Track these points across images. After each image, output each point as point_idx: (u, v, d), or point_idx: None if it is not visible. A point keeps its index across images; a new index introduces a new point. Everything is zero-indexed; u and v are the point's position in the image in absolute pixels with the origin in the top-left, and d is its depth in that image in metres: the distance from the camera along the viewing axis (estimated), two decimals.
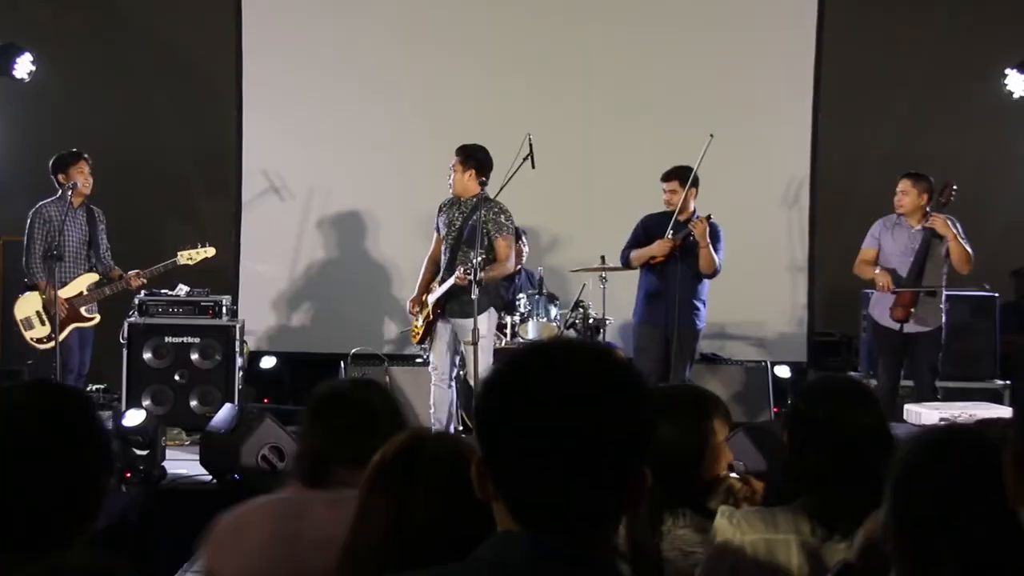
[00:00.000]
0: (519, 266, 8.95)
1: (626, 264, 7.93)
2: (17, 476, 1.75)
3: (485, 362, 7.32)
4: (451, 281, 7.29)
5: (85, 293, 7.96)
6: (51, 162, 7.99)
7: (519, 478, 1.57)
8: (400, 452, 2.04)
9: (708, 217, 7.67)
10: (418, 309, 7.66)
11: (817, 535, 2.73)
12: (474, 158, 7.43)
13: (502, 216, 7.36)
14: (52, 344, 7.70)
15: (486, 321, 7.38)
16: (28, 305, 7.88)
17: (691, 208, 7.80)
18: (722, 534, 2.79)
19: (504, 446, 1.58)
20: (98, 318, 8.07)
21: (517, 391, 1.59)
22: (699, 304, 7.83)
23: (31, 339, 7.85)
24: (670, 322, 7.65)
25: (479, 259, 7.06)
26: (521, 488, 1.57)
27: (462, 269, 7.15)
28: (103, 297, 8.05)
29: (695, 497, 3.05)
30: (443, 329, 7.55)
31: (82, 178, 7.91)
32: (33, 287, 7.86)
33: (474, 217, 7.34)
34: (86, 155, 8.02)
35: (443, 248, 7.57)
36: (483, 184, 7.38)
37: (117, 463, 1.85)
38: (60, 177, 7.92)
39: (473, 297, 7.11)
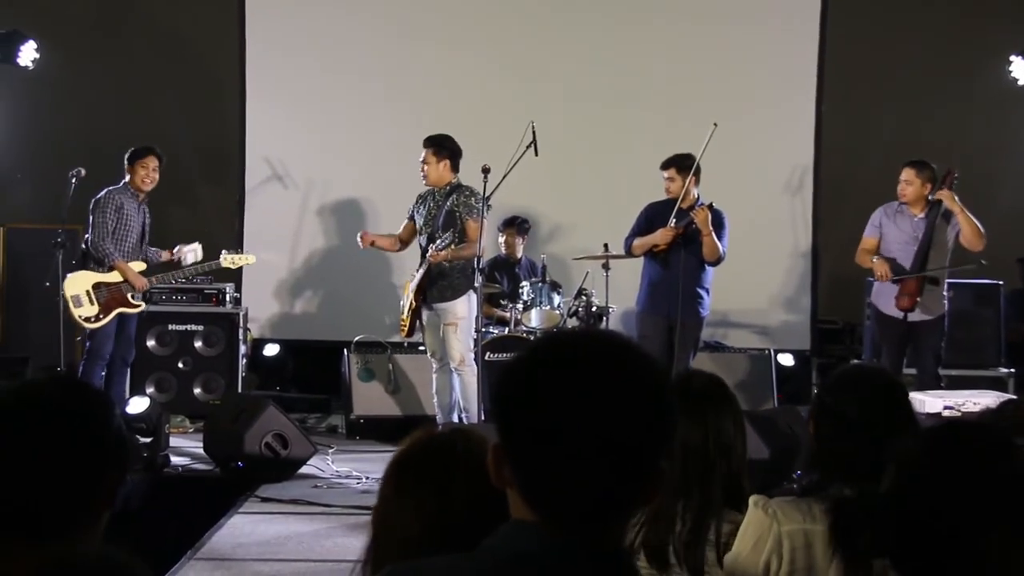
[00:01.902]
0: (520, 256, 8.99)
1: (628, 252, 7.93)
2: (25, 469, 1.77)
3: (464, 344, 7.46)
4: (426, 264, 7.45)
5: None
6: (127, 154, 7.97)
7: (536, 467, 1.56)
8: (430, 449, 2.02)
9: (710, 205, 7.65)
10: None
11: None
12: (446, 148, 7.61)
13: (472, 199, 7.49)
14: (98, 324, 7.80)
15: (465, 304, 7.48)
16: (80, 283, 7.83)
17: (693, 196, 7.78)
18: (757, 524, 2.73)
19: (522, 434, 1.57)
20: (143, 306, 8.11)
21: (537, 380, 1.57)
22: (703, 292, 7.82)
23: (79, 316, 7.80)
24: (673, 311, 7.65)
25: (450, 239, 7.33)
26: (538, 477, 1.56)
27: (432, 247, 7.35)
28: (151, 287, 8.16)
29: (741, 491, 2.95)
30: (428, 315, 7.68)
31: (144, 172, 7.91)
32: (99, 264, 7.83)
33: (448, 203, 7.53)
34: (157, 150, 8.01)
35: (420, 239, 7.72)
36: (455, 171, 7.61)
37: (131, 461, 1.85)
38: (128, 168, 7.93)
39: (477, 285, 7.30)
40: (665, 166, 7.78)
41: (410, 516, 1.93)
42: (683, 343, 7.70)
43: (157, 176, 8.00)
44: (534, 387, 1.57)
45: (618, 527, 1.62)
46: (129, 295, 7.94)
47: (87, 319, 7.83)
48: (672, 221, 7.64)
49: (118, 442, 1.88)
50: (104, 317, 7.84)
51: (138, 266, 8.00)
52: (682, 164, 7.71)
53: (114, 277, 7.87)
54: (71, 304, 7.81)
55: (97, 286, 7.83)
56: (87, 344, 7.92)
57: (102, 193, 7.92)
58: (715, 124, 7.60)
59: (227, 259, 8.26)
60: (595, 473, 1.53)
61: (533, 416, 1.56)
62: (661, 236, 7.67)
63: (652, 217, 7.83)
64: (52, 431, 1.79)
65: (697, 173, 7.73)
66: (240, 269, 9.51)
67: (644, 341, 7.85)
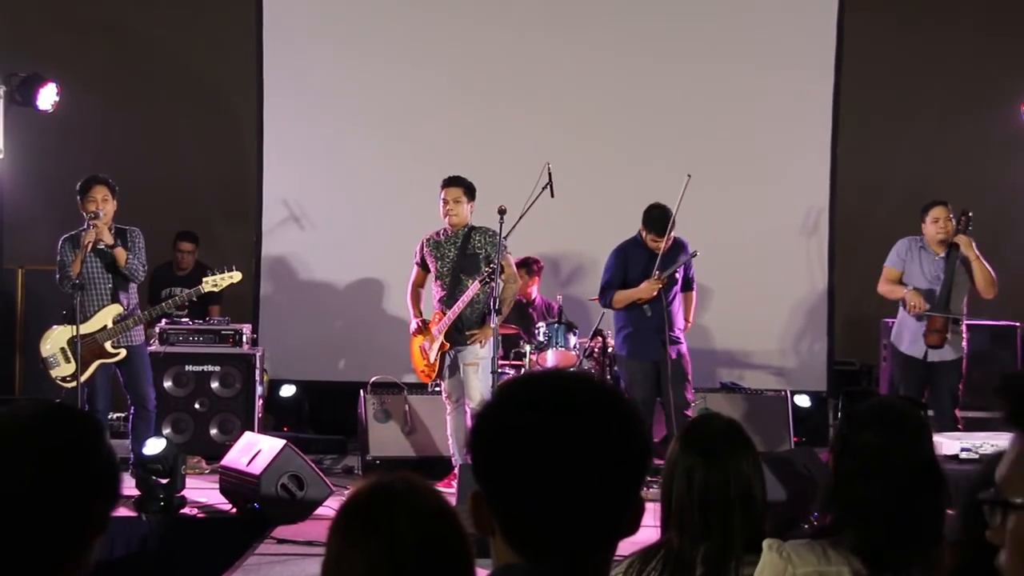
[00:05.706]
0: (535, 297, 9.00)
1: (608, 306, 7.91)
2: (12, 502, 1.67)
3: (484, 384, 7.48)
4: (456, 312, 7.53)
5: (110, 326, 7.53)
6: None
7: (517, 510, 1.57)
8: (372, 496, 2.02)
9: (694, 254, 7.71)
10: (425, 341, 7.75)
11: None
12: (472, 190, 7.68)
13: (496, 238, 7.53)
14: (74, 384, 7.37)
15: (486, 344, 7.51)
16: (54, 341, 7.52)
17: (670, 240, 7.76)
18: (772, 568, 2.72)
19: (499, 479, 1.58)
20: (123, 353, 7.57)
21: (508, 425, 1.59)
22: (680, 327, 7.86)
23: (56, 377, 7.48)
24: (659, 353, 7.66)
25: (497, 289, 7.33)
26: (520, 520, 1.57)
27: (494, 321, 7.31)
28: (127, 331, 7.57)
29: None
30: (450, 357, 7.74)
31: (93, 206, 7.41)
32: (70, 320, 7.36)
33: (469, 247, 7.60)
34: (103, 177, 7.53)
35: (441, 283, 7.72)
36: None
37: (119, 492, 1.71)
38: (81, 205, 7.50)
39: (493, 325, 7.35)
40: (662, 232, 7.65)
41: (360, 564, 1.92)
42: (676, 379, 7.68)
43: (108, 206, 7.43)
44: (506, 432, 1.58)
45: (606, 558, 1.63)
46: (108, 344, 7.50)
47: (64, 379, 7.45)
48: (656, 272, 7.60)
49: (108, 468, 1.79)
50: (83, 374, 7.36)
51: (113, 310, 7.54)
52: (667, 227, 7.62)
53: (88, 327, 7.40)
54: (47, 366, 7.49)
55: (72, 341, 7.33)
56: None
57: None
58: (688, 175, 7.57)
59: (209, 282, 7.72)
60: (576, 511, 1.55)
61: (508, 461, 1.57)
62: (647, 290, 7.62)
63: (628, 264, 7.79)
64: (41, 461, 1.69)
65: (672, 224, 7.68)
66: (257, 310, 9.58)
67: (633, 386, 7.79)
